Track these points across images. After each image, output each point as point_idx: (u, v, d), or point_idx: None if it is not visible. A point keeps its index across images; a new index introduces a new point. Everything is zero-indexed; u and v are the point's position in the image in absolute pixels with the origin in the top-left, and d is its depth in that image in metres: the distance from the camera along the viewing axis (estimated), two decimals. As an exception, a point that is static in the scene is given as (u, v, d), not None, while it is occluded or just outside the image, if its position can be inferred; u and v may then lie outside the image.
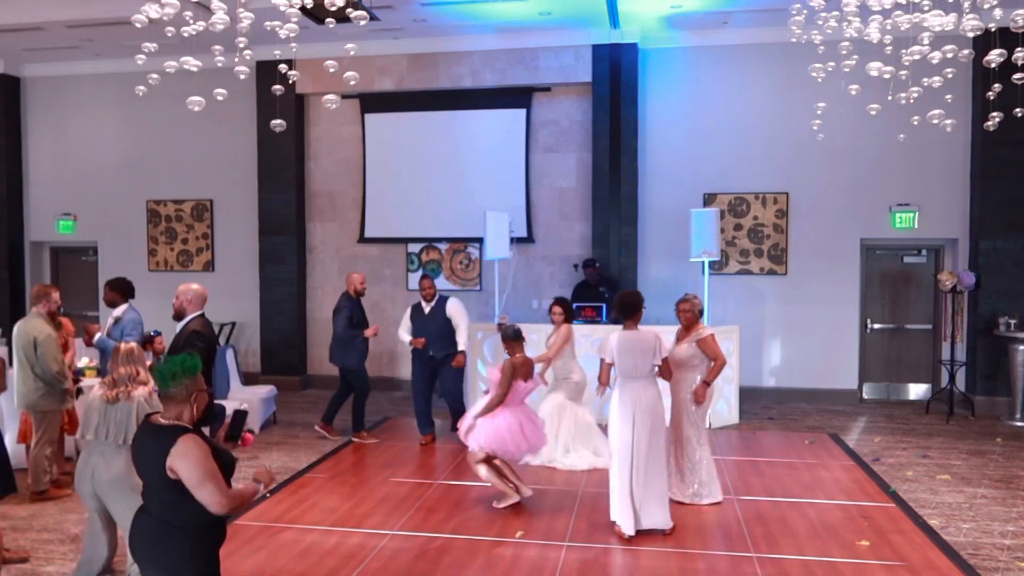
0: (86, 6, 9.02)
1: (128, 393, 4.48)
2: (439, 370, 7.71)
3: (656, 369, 5.31)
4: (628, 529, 5.17)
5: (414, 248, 10.63)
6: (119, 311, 6.41)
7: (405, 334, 7.81)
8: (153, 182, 11.23)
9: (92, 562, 4.52)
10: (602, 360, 5.36)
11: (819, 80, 5.87)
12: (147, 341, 6.41)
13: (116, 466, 4.36)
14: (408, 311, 7.88)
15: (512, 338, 5.95)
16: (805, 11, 5.70)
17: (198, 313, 5.61)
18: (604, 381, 5.36)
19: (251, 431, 7.85)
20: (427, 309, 7.73)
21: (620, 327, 5.44)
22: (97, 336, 6.22)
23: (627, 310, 5.39)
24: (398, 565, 4.79)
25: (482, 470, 5.74)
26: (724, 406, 8.47)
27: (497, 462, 5.83)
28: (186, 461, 2.98)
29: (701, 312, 6.10)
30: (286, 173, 10.61)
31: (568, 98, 10.17)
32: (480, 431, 5.67)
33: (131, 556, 3.27)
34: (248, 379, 9.58)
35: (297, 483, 6.45)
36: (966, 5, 4.84)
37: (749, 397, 9.40)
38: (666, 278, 9.73)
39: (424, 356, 7.67)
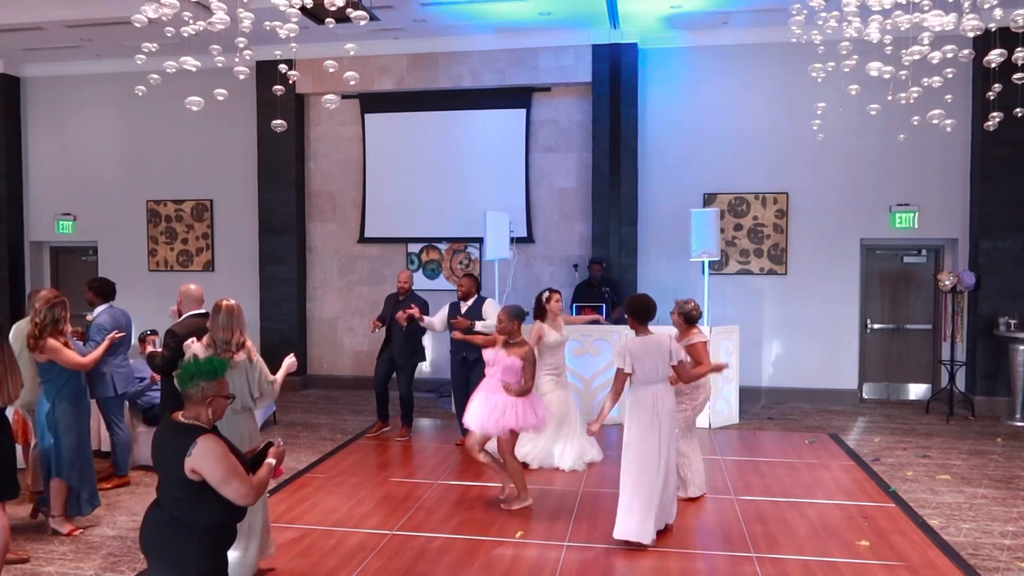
0: (86, 6, 9.02)
1: (251, 358, 4.54)
2: (472, 372, 7.47)
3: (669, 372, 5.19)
4: (649, 538, 4.99)
5: (414, 248, 10.63)
6: (96, 312, 6.32)
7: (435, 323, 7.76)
8: (153, 182, 11.23)
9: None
10: (619, 370, 5.04)
11: (819, 80, 5.88)
12: (140, 340, 6.38)
13: (242, 428, 4.41)
14: (446, 307, 7.77)
15: (514, 316, 5.80)
16: (805, 11, 5.70)
17: (192, 312, 5.53)
18: (619, 392, 5.06)
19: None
20: (463, 308, 7.60)
21: (622, 329, 5.42)
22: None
23: (645, 313, 5.19)
24: (398, 565, 4.79)
25: (482, 456, 5.76)
26: (724, 406, 8.47)
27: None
28: (207, 462, 3.04)
29: (688, 318, 5.93)
30: (286, 173, 10.62)
31: (568, 98, 10.17)
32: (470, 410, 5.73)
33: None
34: (248, 379, 9.56)
35: (297, 483, 6.45)
36: (966, 5, 4.84)
37: (749, 397, 9.40)
38: (666, 278, 9.73)
39: (459, 357, 7.59)
